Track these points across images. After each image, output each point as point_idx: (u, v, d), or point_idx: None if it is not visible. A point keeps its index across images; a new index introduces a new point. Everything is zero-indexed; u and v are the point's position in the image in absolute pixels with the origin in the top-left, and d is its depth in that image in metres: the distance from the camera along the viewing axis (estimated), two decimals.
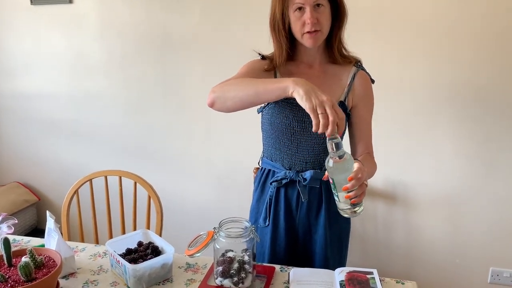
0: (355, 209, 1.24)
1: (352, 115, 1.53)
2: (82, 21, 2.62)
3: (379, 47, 2.19)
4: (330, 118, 1.14)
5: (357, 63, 1.52)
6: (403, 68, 2.20)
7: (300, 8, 1.36)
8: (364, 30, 2.16)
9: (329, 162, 1.18)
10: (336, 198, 1.24)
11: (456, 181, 2.28)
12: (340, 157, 1.16)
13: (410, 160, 2.31)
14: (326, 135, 1.15)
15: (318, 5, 1.35)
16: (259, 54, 1.55)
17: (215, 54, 2.45)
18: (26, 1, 2.67)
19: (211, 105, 1.43)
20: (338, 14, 1.41)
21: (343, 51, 1.49)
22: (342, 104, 1.46)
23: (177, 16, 2.46)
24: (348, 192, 1.18)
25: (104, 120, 2.74)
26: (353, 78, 1.49)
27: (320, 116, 1.15)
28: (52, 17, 2.67)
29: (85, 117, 2.77)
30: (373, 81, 1.54)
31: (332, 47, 1.47)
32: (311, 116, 1.16)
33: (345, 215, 1.26)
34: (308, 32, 1.37)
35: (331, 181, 1.22)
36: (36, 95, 2.83)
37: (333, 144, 1.15)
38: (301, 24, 1.37)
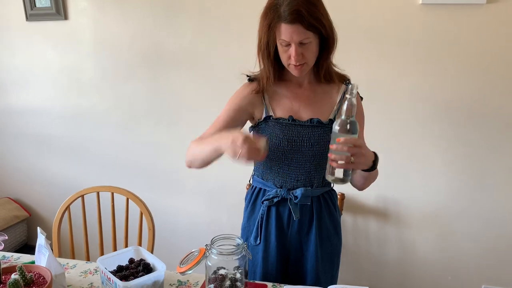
0: (338, 178, 1.32)
1: None
2: (77, 38, 2.64)
3: (369, 66, 2.22)
4: (243, 151, 1.24)
5: (346, 81, 1.54)
6: (393, 86, 2.22)
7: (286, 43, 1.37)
8: (354, 44, 2.19)
9: (336, 125, 1.29)
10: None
11: (447, 197, 2.30)
12: (350, 120, 1.26)
13: (401, 177, 2.33)
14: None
15: (303, 42, 1.35)
16: (247, 76, 1.56)
17: (207, 72, 2.47)
18: (22, 17, 2.68)
19: (189, 167, 1.60)
20: (327, 43, 1.41)
21: (332, 71, 1.51)
22: (331, 122, 1.48)
23: (170, 34, 2.48)
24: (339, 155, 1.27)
25: (96, 136, 2.74)
26: (343, 95, 1.50)
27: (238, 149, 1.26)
28: (47, 33, 2.68)
29: (77, 133, 2.77)
30: (361, 98, 1.57)
31: (321, 69, 1.48)
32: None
33: (330, 179, 1.34)
34: (293, 64, 1.40)
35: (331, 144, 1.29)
36: (29, 111, 2.82)
37: (347, 106, 1.26)
38: (287, 57, 1.39)
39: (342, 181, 1.33)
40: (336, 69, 1.53)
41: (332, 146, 1.29)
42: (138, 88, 2.60)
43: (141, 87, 2.60)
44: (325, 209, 1.57)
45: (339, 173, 1.32)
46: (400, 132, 2.27)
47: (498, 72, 2.10)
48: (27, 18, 2.67)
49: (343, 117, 1.28)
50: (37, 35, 2.70)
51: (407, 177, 2.32)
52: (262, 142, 1.30)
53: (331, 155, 1.29)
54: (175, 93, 2.55)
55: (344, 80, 1.54)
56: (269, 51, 1.42)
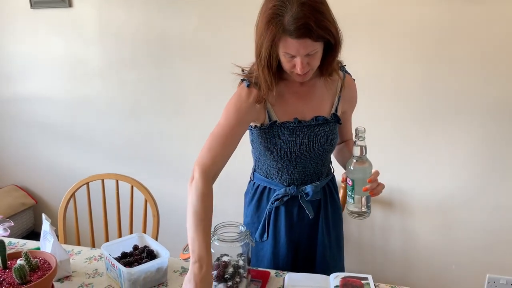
0: (365, 211, 1.38)
1: (341, 116, 1.53)
2: (81, 25, 2.63)
3: (376, 54, 2.20)
4: None
5: (341, 68, 1.47)
6: (400, 76, 2.20)
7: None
8: (361, 37, 2.17)
9: (352, 165, 1.33)
10: (350, 200, 1.36)
11: (452, 187, 2.29)
12: (364, 160, 1.32)
13: (407, 167, 2.32)
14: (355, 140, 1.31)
15: (310, 53, 1.25)
16: (242, 70, 1.46)
17: (212, 59, 2.46)
18: (26, 4, 2.68)
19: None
20: (333, 47, 1.29)
21: (335, 69, 1.41)
22: (334, 116, 1.46)
23: (175, 21, 2.47)
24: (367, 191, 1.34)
25: (101, 124, 2.75)
26: (342, 86, 1.47)
27: None
28: (51, 21, 2.68)
29: (82, 120, 2.78)
30: (354, 80, 1.55)
31: (325, 71, 1.39)
32: None
33: (354, 218, 1.39)
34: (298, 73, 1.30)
35: (350, 182, 1.34)
36: (34, 99, 2.83)
37: (361, 148, 1.31)
38: (291, 66, 1.28)
39: (369, 213, 1.41)
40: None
41: (366, 189, 1.33)
42: (143, 76, 2.60)
43: (146, 75, 2.59)
44: (329, 196, 1.57)
45: (368, 212, 1.39)
46: (407, 122, 2.26)
47: (504, 62, 2.07)
48: (31, 6, 2.67)
49: (357, 156, 1.33)
50: (41, 23, 2.70)
51: (412, 167, 2.31)
52: None
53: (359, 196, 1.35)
54: (180, 81, 2.55)
55: (339, 67, 1.45)
56: (271, 62, 1.28)
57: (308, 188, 1.48)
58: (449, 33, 2.10)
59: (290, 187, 1.49)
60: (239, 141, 1.39)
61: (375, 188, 1.35)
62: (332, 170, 1.62)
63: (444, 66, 2.15)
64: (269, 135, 1.44)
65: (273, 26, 1.20)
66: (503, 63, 2.08)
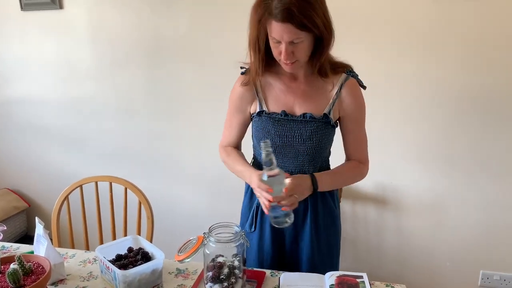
0: (283, 220, 1.38)
1: (341, 125, 1.53)
2: (73, 27, 2.62)
3: (368, 53, 2.21)
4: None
5: (348, 71, 1.47)
6: (392, 75, 2.21)
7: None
8: (353, 36, 2.18)
9: (264, 176, 1.34)
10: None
11: (446, 185, 2.30)
12: (273, 172, 1.31)
13: (400, 165, 2.33)
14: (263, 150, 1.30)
15: (294, 41, 1.29)
16: (241, 68, 1.53)
17: (206, 60, 2.45)
18: (16, 6, 2.66)
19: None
20: (322, 42, 1.34)
21: (327, 68, 1.42)
22: (325, 116, 1.45)
23: (168, 21, 2.46)
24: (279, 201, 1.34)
25: (95, 126, 2.74)
26: (341, 88, 1.45)
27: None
28: (43, 23, 2.66)
29: (75, 122, 2.76)
30: (364, 87, 1.51)
31: (315, 66, 1.41)
32: None
33: (274, 224, 1.39)
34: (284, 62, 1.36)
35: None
36: (26, 101, 2.81)
37: (269, 159, 1.30)
38: (278, 53, 1.34)
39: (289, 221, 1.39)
40: (337, 60, 1.47)
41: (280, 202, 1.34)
42: (136, 77, 2.59)
43: (139, 76, 2.58)
44: (320, 200, 1.55)
45: (287, 219, 1.38)
46: (400, 119, 2.27)
47: (502, 60, 2.08)
48: (22, 8, 2.65)
49: (266, 169, 1.32)
50: (32, 25, 2.68)
51: (406, 164, 2.32)
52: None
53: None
54: (174, 81, 2.54)
55: (345, 69, 1.47)
56: (259, 45, 1.37)
57: None
58: (441, 29, 2.11)
59: None
60: (243, 125, 1.58)
61: (289, 201, 1.35)
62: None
63: (437, 63, 2.16)
64: (258, 124, 1.50)
65: (260, 8, 1.30)
66: (503, 60, 2.09)
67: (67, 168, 2.84)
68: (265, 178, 1.33)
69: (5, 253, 1.63)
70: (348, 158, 1.59)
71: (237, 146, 1.65)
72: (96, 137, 2.75)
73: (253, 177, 1.40)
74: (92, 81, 2.67)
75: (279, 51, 1.33)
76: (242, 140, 1.65)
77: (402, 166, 2.33)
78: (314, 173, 1.46)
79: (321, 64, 1.39)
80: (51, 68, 2.72)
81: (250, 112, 1.55)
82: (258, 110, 1.50)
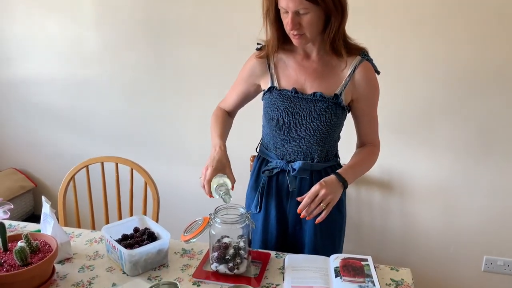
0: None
1: (353, 108, 1.52)
2: (78, 7, 2.59)
3: (376, 37, 2.17)
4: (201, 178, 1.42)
5: (362, 53, 1.46)
6: (400, 58, 2.18)
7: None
8: (360, 21, 2.14)
9: (216, 185, 1.40)
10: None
11: (452, 170, 2.29)
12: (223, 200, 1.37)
13: (407, 149, 2.31)
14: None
15: (300, 12, 1.30)
16: (258, 44, 1.54)
17: (211, 40, 2.43)
18: None
19: None
20: (331, 16, 1.33)
21: (343, 44, 1.41)
22: (336, 97, 1.45)
23: (174, 3, 2.43)
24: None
25: (100, 107, 2.73)
26: (354, 70, 1.44)
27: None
28: (48, 2, 2.63)
29: (81, 103, 2.76)
30: (378, 72, 1.49)
31: (327, 43, 1.41)
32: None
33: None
34: (291, 33, 1.37)
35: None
36: (32, 81, 2.80)
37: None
38: (286, 23, 1.35)
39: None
40: (352, 42, 1.46)
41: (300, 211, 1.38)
42: (141, 58, 2.57)
43: (144, 56, 2.56)
44: None
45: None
46: (407, 104, 2.25)
47: (508, 42, 2.05)
48: None
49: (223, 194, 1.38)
50: (37, 4, 2.65)
51: (413, 148, 2.31)
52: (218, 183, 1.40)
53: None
54: (178, 62, 2.52)
55: (360, 52, 1.45)
56: (270, 17, 1.39)
57: (297, 164, 1.50)
58: (451, 15, 2.08)
59: (281, 161, 1.54)
60: (244, 95, 1.62)
61: (318, 209, 1.39)
62: (338, 160, 1.62)
63: (446, 50, 2.12)
64: (268, 101, 1.51)
65: None
66: (509, 42, 2.05)
67: (73, 148, 2.84)
68: (214, 185, 1.39)
69: (12, 231, 1.64)
70: (361, 142, 1.60)
71: (231, 112, 1.70)
72: (102, 118, 2.75)
73: (215, 149, 1.47)
74: (97, 61, 2.65)
75: (287, 22, 1.33)
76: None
77: (408, 151, 2.31)
78: (339, 172, 1.45)
79: (332, 40, 1.38)
80: (56, 49, 2.70)
81: (257, 86, 1.57)
82: (269, 85, 1.50)
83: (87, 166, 2.01)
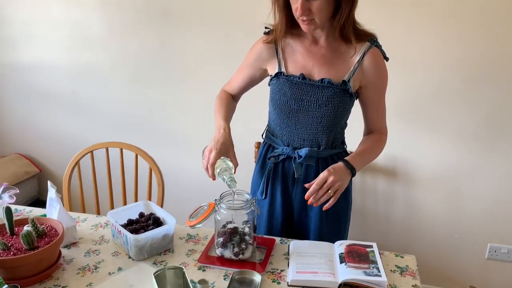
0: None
1: (361, 95, 1.51)
2: None
3: (383, 23, 2.14)
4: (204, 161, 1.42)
5: (371, 39, 1.44)
6: (406, 44, 2.16)
7: None
8: (368, 5, 2.12)
9: (221, 169, 1.40)
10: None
11: (457, 158, 2.28)
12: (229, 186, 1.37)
13: (412, 136, 2.30)
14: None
15: None
16: (266, 28, 1.52)
17: (216, 27, 2.41)
18: None
19: None
20: (341, 1, 1.32)
21: (352, 30, 1.39)
22: (344, 84, 1.43)
23: None
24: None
25: (104, 92, 2.72)
26: (363, 56, 1.42)
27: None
28: None
29: (85, 88, 2.75)
30: (387, 59, 1.48)
31: (336, 29, 1.38)
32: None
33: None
34: (300, 19, 1.35)
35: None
36: (36, 66, 2.79)
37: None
38: (295, 9, 1.33)
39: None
40: (361, 27, 1.43)
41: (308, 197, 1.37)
42: (145, 44, 2.55)
43: (148, 42, 2.55)
44: None
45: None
46: (412, 91, 2.23)
47: None
48: None
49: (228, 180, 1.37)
50: None
51: (418, 136, 2.29)
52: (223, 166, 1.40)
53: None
54: (183, 48, 2.50)
55: (368, 38, 1.43)
56: (279, 2, 1.37)
57: (303, 151, 1.50)
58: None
59: (288, 148, 1.53)
60: (249, 79, 1.61)
61: (326, 196, 1.39)
62: (345, 147, 1.61)
63: (453, 36, 2.10)
64: (275, 87, 1.50)
65: None
66: None
67: (78, 134, 2.84)
68: (218, 169, 1.39)
69: (18, 215, 1.65)
70: (368, 129, 1.59)
71: (236, 96, 1.68)
72: (106, 104, 2.74)
73: (219, 131, 1.44)
74: (101, 47, 2.64)
75: (296, 7, 1.31)
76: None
77: (413, 138, 2.30)
78: (347, 159, 1.44)
79: (342, 27, 1.36)
80: (59, 33, 2.68)
81: (263, 71, 1.56)
82: (276, 71, 1.49)
83: (91, 152, 2.01)
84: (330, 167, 1.39)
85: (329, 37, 1.44)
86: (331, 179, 1.35)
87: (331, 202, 1.36)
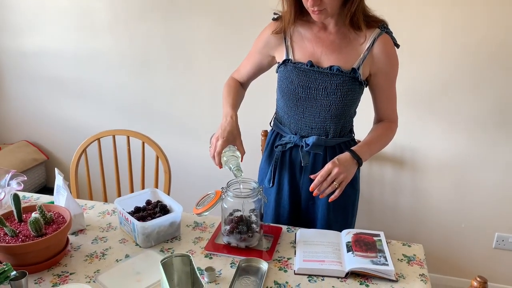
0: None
1: (371, 83, 1.49)
2: None
3: (391, 10, 2.12)
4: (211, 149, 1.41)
5: (381, 25, 1.41)
6: (415, 33, 2.13)
7: None
8: None
9: (227, 156, 1.40)
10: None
11: (464, 146, 2.26)
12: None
13: (420, 125, 2.28)
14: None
15: None
16: (274, 14, 1.50)
17: (223, 15, 2.38)
18: None
19: None
20: None
21: (362, 16, 1.36)
22: (354, 71, 1.41)
23: None
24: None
25: (110, 79, 2.71)
26: (373, 43, 1.40)
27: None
28: None
29: (91, 75, 2.74)
30: (397, 46, 1.45)
31: (346, 16, 1.36)
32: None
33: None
34: (311, 9, 1.32)
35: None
36: (43, 53, 2.79)
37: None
38: (306, 0, 1.31)
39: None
40: (371, 13, 1.41)
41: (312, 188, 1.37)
42: (152, 30, 2.54)
43: (155, 29, 2.53)
44: None
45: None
46: (421, 79, 2.20)
47: None
48: None
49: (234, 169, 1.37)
50: None
51: (426, 125, 2.27)
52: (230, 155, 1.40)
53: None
54: (190, 35, 2.48)
55: (379, 24, 1.41)
56: None
57: (310, 139, 1.48)
58: None
59: (295, 136, 1.52)
60: (258, 66, 1.60)
61: (331, 188, 1.39)
62: (353, 135, 1.60)
63: (462, 24, 2.07)
64: (282, 74, 1.48)
65: None
66: None
67: (84, 121, 2.85)
68: (225, 158, 1.39)
69: (26, 202, 1.66)
70: (378, 117, 1.57)
71: (244, 83, 1.67)
72: (113, 91, 2.74)
73: (226, 119, 1.44)
74: (107, 33, 2.62)
75: None
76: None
77: (421, 127, 2.28)
78: (354, 149, 1.42)
79: (353, 14, 1.34)
80: (66, 20, 2.67)
81: (271, 58, 1.55)
82: (284, 58, 1.47)
83: (98, 139, 2.02)
84: (335, 158, 1.38)
85: (339, 23, 1.42)
86: (335, 171, 1.34)
87: (336, 194, 1.36)
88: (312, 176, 1.38)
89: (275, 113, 1.64)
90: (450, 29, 2.09)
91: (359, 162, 1.41)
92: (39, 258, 1.24)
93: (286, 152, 1.57)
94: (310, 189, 1.37)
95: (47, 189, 3.05)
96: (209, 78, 2.51)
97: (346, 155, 1.40)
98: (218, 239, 1.40)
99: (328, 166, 1.35)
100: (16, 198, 1.33)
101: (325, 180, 1.35)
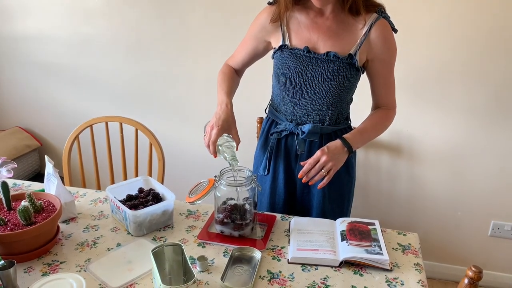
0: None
1: (368, 69, 1.46)
2: None
3: None
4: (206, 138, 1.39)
5: (379, 10, 1.38)
6: (415, 18, 2.10)
7: None
8: None
9: (221, 145, 1.39)
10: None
11: (461, 134, 2.24)
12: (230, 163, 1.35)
13: (416, 113, 2.26)
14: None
15: None
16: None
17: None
18: None
19: None
20: None
21: (360, 4, 1.34)
22: (350, 57, 1.38)
23: None
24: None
25: (104, 65, 2.67)
26: (370, 28, 1.37)
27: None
28: None
29: (84, 61, 2.70)
30: (395, 31, 1.42)
31: (347, 1, 1.33)
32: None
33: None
34: None
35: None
36: (35, 38, 2.74)
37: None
38: None
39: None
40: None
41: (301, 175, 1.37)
42: (145, 15, 2.49)
43: (148, 13, 2.48)
44: None
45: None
46: (420, 65, 2.17)
47: None
48: None
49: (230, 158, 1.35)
50: None
51: (423, 112, 2.25)
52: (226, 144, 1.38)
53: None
54: (184, 19, 2.44)
55: (376, 9, 1.38)
56: None
57: (306, 127, 1.46)
58: None
59: (291, 123, 1.50)
60: (253, 52, 1.56)
61: (319, 176, 1.39)
62: (349, 123, 1.58)
63: (463, 5, 2.03)
64: (278, 60, 1.46)
65: None
66: None
67: (78, 107, 2.81)
68: (220, 147, 1.37)
69: (16, 190, 1.64)
70: (376, 104, 1.54)
71: (239, 70, 1.64)
72: (106, 77, 2.69)
73: (221, 106, 1.42)
74: (100, 18, 2.57)
75: None
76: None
77: (418, 114, 2.26)
78: (345, 136, 1.41)
79: (353, 0, 1.32)
80: (58, 4, 2.62)
81: (267, 44, 1.51)
82: (280, 43, 1.44)
83: (91, 126, 1.99)
84: (324, 146, 1.37)
85: (336, 8, 1.39)
86: (323, 159, 1.34)
87: (324, 181, 1.36)
88: (302, 163, 1.37)
89: (270, 100, 1.61)
90: (450, 14, 2.06)
91: (350, 150, 1.40)
92: (28, 247, 1.22)
93: (282, 139, 1.54)
94: (298, 176, 1.36)
95: (41, 175, 3.01)
96: (204, 62, 2.47)
97: (336, 142, 1.39)
98: (211, 227, 1.39)
99: (317, 154, 1.35)
100: (4, 186, 1.31)
101: (313, 167, 1.34)
